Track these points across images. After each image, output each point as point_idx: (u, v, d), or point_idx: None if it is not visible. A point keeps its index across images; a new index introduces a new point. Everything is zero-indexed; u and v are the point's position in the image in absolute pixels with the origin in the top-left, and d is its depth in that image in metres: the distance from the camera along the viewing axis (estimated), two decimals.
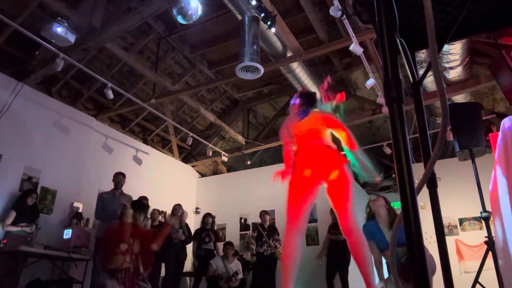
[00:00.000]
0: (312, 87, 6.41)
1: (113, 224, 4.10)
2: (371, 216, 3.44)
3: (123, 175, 5.40)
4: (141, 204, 4.11)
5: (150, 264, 3.69)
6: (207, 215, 6.75)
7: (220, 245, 6.40)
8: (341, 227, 2.59)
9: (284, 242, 2.66)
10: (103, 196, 5.19)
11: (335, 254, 5.74)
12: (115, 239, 3.53)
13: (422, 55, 5.21)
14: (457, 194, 6.77)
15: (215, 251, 6.35)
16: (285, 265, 2.54)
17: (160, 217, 6.70)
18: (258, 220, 6.62)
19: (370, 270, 2.50)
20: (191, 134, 7.59)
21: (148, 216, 5.53)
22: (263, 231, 6.23)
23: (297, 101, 3.13)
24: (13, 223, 4.64)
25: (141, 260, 3.53)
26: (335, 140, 2.91)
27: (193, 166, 8.93)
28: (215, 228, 7.26)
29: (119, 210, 4.07)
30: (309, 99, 3.14)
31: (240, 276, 5.98)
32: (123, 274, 3.33)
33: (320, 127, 2.88)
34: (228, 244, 6.12)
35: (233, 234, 7.49)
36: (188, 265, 6.92)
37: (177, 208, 6.09)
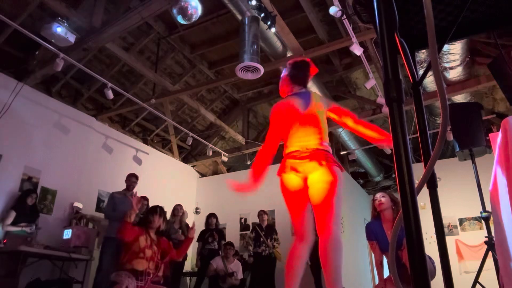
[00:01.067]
0: (312, 87, 6.41)
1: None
2: (376, 215, 3.37)
3: (136, 176, 5.37)
4: (157, 208, 3.91)
5: (168, 271, 3.72)
6: (211, 215, 6.67)
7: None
8: (318, 225, 2.26)
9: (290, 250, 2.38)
10: (114, 196, 5.15)
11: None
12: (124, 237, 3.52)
13: (422, 55, 5.22)
14: (457, 194, 6.78)
15: (220, 251, 6.27)
16: (288, 272, 2.30)
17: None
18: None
19: (337, 279, 2.14)
20: (191, 134, 7.58)
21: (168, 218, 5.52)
22: (260, 231, 6.20)
23: (286, 73, 2.57)
24: (13, 223, 4.64)
25: (162, 267, 3.59)
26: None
27: (193, 166, 8.93)
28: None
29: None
30: (303, 71, 2.58)
31: (240, 276, 5.96)
32: (143, 277, 3.35)
33: (322, 121, 2.43)
34: (228, 244, 6.10)
35: (233, 234, 7.48)
36: (188, 265, 6.92)
37: (177, 208, 6.10)
